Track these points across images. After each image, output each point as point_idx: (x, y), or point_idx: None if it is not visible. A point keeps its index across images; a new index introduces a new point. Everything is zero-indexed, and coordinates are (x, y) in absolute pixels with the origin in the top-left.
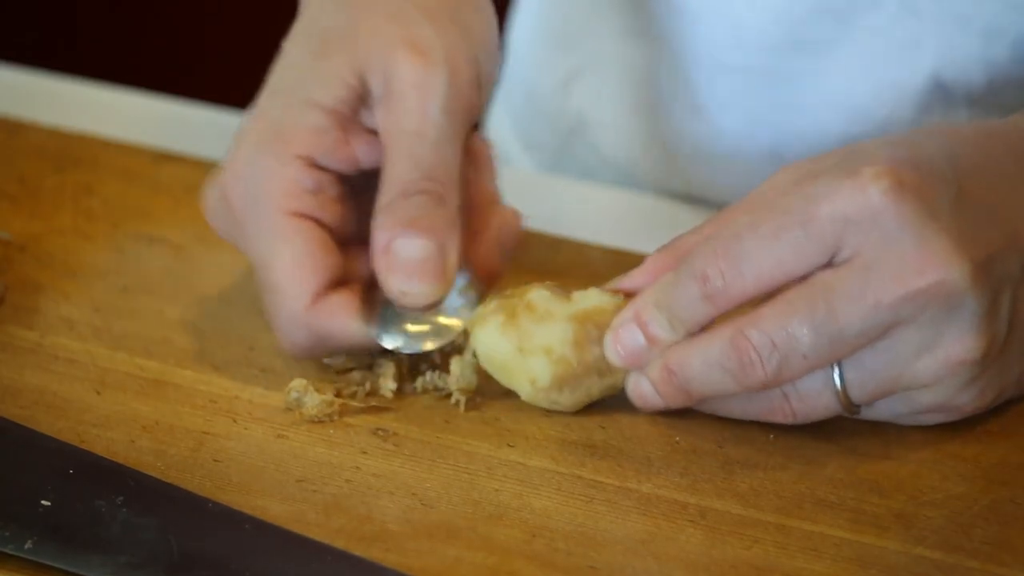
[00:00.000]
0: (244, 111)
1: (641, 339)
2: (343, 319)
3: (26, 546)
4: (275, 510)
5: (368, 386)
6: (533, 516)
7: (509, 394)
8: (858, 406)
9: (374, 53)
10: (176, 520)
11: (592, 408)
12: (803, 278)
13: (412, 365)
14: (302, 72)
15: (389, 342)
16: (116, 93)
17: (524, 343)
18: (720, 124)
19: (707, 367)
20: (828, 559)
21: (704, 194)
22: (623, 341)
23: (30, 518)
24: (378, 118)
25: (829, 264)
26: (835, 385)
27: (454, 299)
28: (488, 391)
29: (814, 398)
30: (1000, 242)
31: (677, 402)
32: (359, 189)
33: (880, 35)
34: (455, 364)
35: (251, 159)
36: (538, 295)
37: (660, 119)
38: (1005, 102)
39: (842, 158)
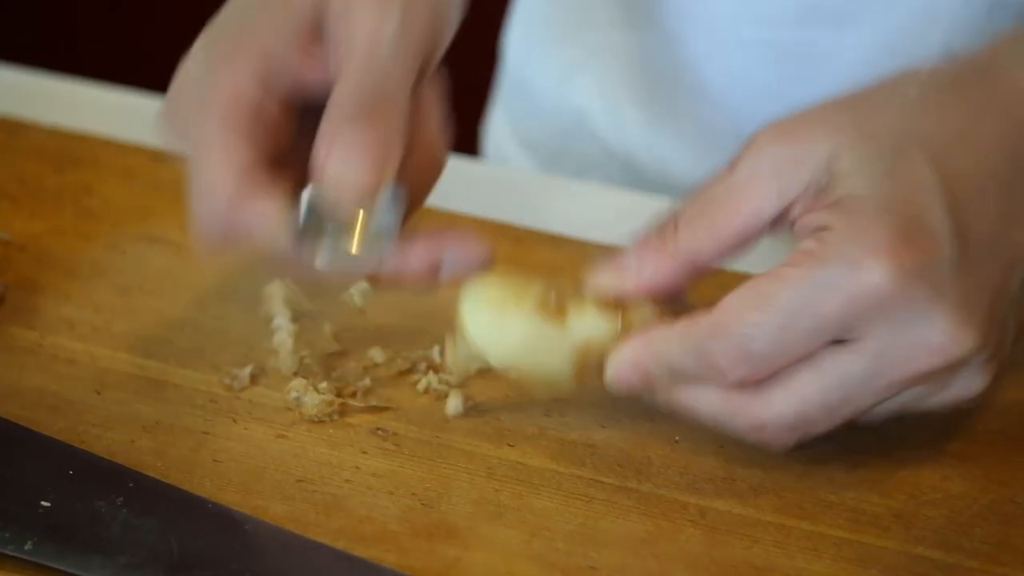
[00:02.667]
0: None
1: (638, 381)
2: (266, 215)
3: (26, 547)
4: (275, 510)
5: (368, 382)
6: (533, 516)
7: (509, 394)
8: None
9: None
10: (176, 520)
11: (592, 408)
12: None
13: (411, 365)
14: (260, 3)
15: (306, 253)
16: (116, 93)
17: (524, 365)
18: (726, 101)
19: (720, 423)
20: (828, 559)
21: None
22: (622, 379)
23: (30, 519)
24: (329, 53)
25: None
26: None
27: (383, 217)
28: (488, 390)
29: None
30: (1001, 275)
31: (661, 408)
32: (300, 121)
33: (898, 4)
34: (450, 352)
35: (204, 62)
36: (531, 317)
37: (662, 102)
38: None
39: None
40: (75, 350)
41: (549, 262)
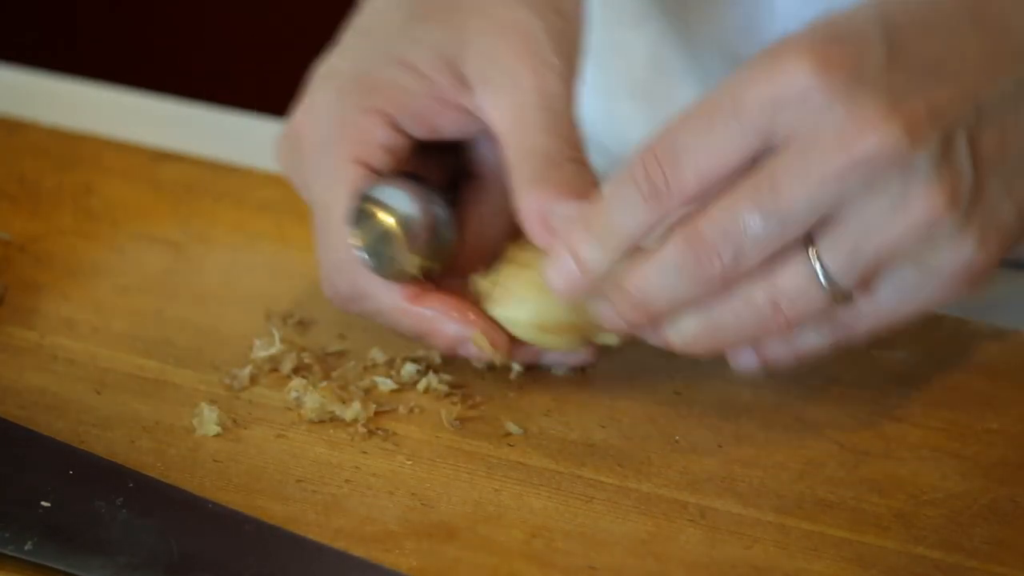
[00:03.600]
0: (244, 111)
1: (572, 265)
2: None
3: (26, 547)
4: (275, 510)
5: (368, 382)
6: (533, 516)
7: (509, 393)
8: (849, 292)
9: (477, 32)
10: (176, 521)
11: (592, 408)
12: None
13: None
14: (395, 28)
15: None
16: (116, 93)
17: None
18: None
19: (663, 274)
20: (828, 559)
21: None
22: (558, 271)
23: (30, 519)
24: (482, 99)
25: (768, 149)
26: (815, 270)
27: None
28: (488, 389)
29: (801, 293)
30: (944, 93)
31: (642, 323)
32: (429, 156)
33: None
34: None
35: (332, 100)
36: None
37: (664, 102)
38: None
39: (769, 47)
40: (75, 350)
41: None
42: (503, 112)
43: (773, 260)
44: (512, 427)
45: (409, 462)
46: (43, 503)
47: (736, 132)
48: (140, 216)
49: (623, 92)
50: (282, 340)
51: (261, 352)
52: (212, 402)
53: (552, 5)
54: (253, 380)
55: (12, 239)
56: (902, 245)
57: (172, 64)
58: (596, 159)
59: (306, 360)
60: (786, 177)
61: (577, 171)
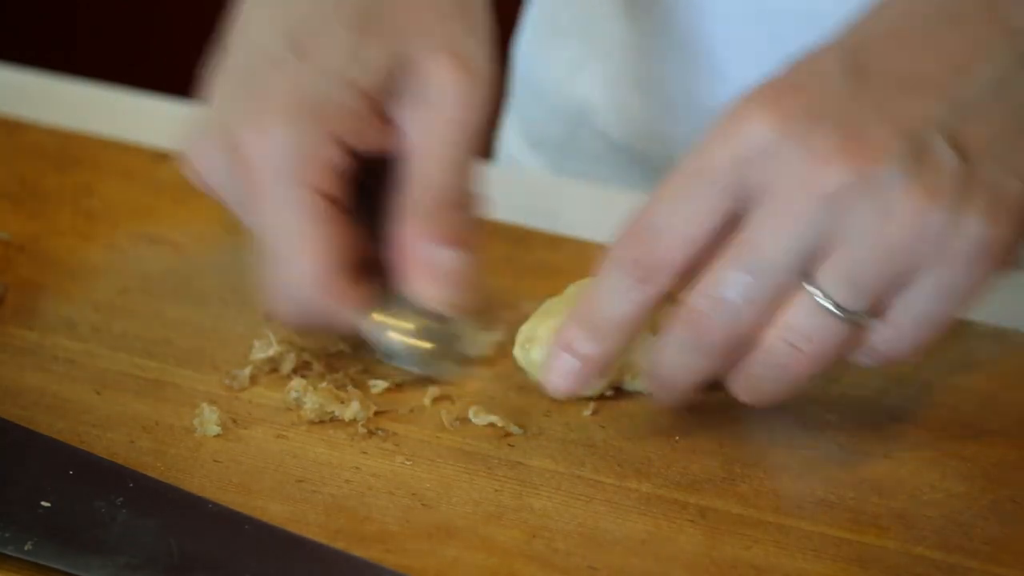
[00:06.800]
0: None
1: (574, 362)
2: (349, 308)
3: (26, 547)
4: (275, 511)
5: (369, 382)
6: (533, 516)
7: (509, 393)
8: (863, 314)
9: (420, 52)
10: (176, 521)
11: (592, 408)
12: (724, 232)
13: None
14: (338, 45)
15: (388, 354)
16: (116, 93)
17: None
18: (738, 81)
19: (677, 353)
20: (828, 559)
21: None
22: (558, 371)
23: (30, 519)
24: (408, 114)
25: (744, 207)
26: (817, 301)
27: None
28: (488, 390)
29: (814, 327)
30: (912, 107)
31: (674, 398)
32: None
33: None
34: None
35: (283, 125)
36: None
37: (665, 91)
38: None
39: (728, 106)
40: (75, 350)
41: (548, 262)
42: (421, 129)
43: (777, 306)
44: (512, 427)
45: (409, 462)
46: (43, 503)
47: (708, 196)
48: (140, 216)
49: (625, 83)
50: (282, 340)
51: (261, 353)
52: (212, 402)
53: (483, 30)
54: (253, 380)
55: (12, 239)
56: (900, 251)
57: (172, 64)
58: (603, 151)
59: (306, 360)
60: (761, 231)
61: (462, 221)
